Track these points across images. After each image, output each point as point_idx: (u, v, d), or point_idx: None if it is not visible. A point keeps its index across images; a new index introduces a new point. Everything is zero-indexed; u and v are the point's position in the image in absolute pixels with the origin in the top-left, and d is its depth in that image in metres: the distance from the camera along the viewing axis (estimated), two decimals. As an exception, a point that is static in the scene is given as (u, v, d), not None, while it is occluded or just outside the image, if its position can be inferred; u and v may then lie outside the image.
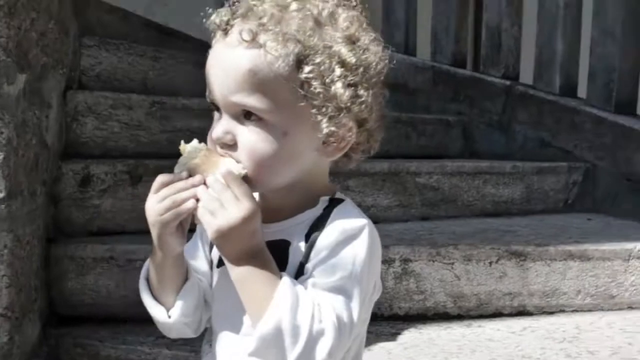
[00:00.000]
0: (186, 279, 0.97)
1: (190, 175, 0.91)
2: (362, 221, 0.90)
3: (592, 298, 1.92)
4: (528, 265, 1.89)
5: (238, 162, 0.90)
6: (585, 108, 2.62)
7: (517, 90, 2.86)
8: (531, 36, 2.88)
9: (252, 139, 0.88)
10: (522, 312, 1.89)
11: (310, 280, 0.88)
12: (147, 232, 2.14)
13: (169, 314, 0.98)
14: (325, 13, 0.89)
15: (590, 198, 2.53)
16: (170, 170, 2.21)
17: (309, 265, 0.89)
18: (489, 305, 1.88)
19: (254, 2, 0.88)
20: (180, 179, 0.90)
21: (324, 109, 0.88)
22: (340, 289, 0.87)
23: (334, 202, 0.93)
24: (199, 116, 2.33)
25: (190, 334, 1.02)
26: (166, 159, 2.10)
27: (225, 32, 0.89)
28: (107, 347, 1.69)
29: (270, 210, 0.93)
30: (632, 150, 2.42)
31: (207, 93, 0.93)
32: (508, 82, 2.90)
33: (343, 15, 0.90)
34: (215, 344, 0.98)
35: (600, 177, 2.53)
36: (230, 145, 0.89)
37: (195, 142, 0.92)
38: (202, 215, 0.88)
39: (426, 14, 3.18)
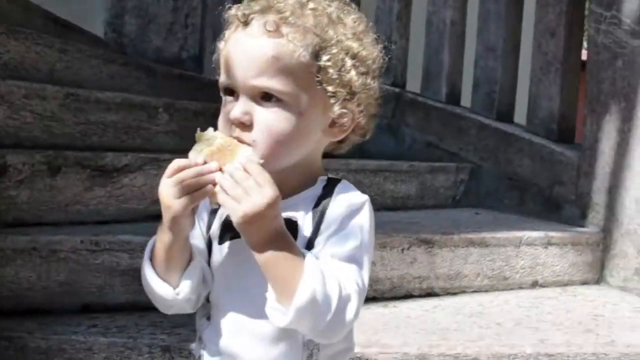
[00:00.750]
0: (191, 259, 1.02)
1: (205, 162, 0.95)
2: (364, 196, 1.01)
3: (489, 280, 2.16)
4: (435, 252, 2.09)
5: (253, 143, 0.97)
6: (470, 115, 2.90)
7: (407, 97, 3.09)
8: (418, 48, 3.14)
9: (270, 118, 0.97)
10: (430, 294, 2.08)
11: (328, 252, 0.97)
12: (67, 223, 2.10)
13: (176, 292, 1.01)
14: (335, 13, 1.01)
15: (475, 195, 2.80)
16: (89, 161, 2.18)
17: (319, 239, 0.98)
18: (400, 288, 2.05)
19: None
20: (197, 165, 0.95)
21: (338, 94, 0.99)
22: (353, 258, 0.97)
23: (332, 181, 1.04)
24: (111, 110, 2.35)
25: (189, 310, 1.06)
26: (82, 151, 2.11)
27: (246, 23, 0.98)
28: (37, 339, 1.64)
29: None
30: (512, 153, 2.72)
31: (221, 78, 1.01)
32: (397, 89, 3.13)
33: (351, 16, 1.03)
34: (219, 317, 1.04)
35: (484, 176, 2.81)
36: (247, 126, 0.97)
37: (210, 130, 0.98)
38: (225, 201, 0.93)
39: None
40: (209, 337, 1.06)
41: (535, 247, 2.22)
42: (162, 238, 0.99)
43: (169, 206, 0.96)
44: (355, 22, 1.02)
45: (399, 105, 3.11)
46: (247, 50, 0.97)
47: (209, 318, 1.06)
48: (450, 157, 2.90)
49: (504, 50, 2.83)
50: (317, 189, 1.02)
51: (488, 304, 2.02)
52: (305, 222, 1.00)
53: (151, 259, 1.03)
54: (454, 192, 2.79)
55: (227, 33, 1.02)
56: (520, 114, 2.90)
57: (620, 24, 2.33)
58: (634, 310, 2.04)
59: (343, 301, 0.93)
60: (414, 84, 3.17)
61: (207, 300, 1.06)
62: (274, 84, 0.96)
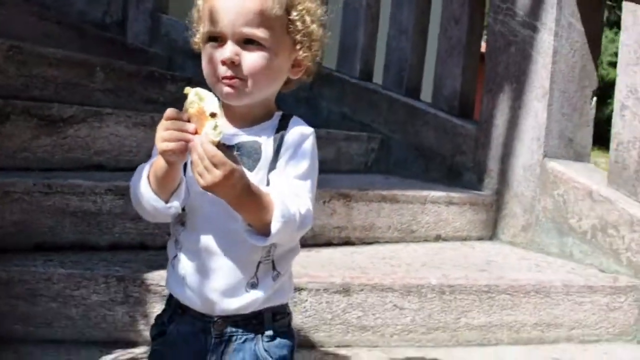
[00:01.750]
0: (181, 180, 1.22)
1: (189, 119, 1.16)
2: (311, 128, 1.29)
3: (399, 232, 2.45)
4: (352, 205, 2.36)
5: (244, 77, 1.20)
6: (382, 90, 3.19)
7: (324, 72, 3.34)
8: (335, 27, 3.39)
9: (254, 58, 1.22)
10: (347, 242, 2.35)
11: (289, 173, 1.23)
12: (15, 169, 2.21)
13: (168, 206, 1.22)
14: None
15: (385, 163, 3.10)
16: (36, 110, 2.28)
17: (280, 162, 1.23)
18: (322, 236, 2.31)
19: None
20: (182, 120, 1.16)
21: (303, 41, 1.26)
22: (306, 176, 1.24)
23: (285, 116, 1.29)
24: (52, 65, 2.46)
25: (169, 219, 1.27)
26: (24, 100, 2.22)
27: None
28: (-2, 270, 1.73)
29: (242, 119, 1.27)
30: (419, 126, 3.03)
31: (206, 27, 1.24)
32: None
33: None
34: (194, 220, 1.25)
35: (393, 146, 3.11)
36: (236, 65, 1.21)
37: (192, 93, 1.16)
38: (194, 172, 1.14)
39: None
40: (185, 238, 1.27)
41: (439, 205, 2.54)
42: (159, 162, 1.20)
43: (157, 145, 1.17)
44: None
45: (316, 80, 3.34)
46: (237, 4, 1.21)
47: (183, 224, 1.27)
48: (362, 129, 3.18)
49: (414, 33, 3.14)
50: (274, 121, 1.28)
51: (399, 251, 2.32)
52: (267, 145, 1.25)
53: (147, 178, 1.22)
54: (366, 159, 3.08)
55: None
56: (426, 92, 3.23)
57: (515, 15, 2.68)
58: (520, 259, 2.40)
59: (303, 215, 1.20)
60: (330, 60, 3.43)
61: (182, 209, 1.26)
62: (259, 32, 1.22)
